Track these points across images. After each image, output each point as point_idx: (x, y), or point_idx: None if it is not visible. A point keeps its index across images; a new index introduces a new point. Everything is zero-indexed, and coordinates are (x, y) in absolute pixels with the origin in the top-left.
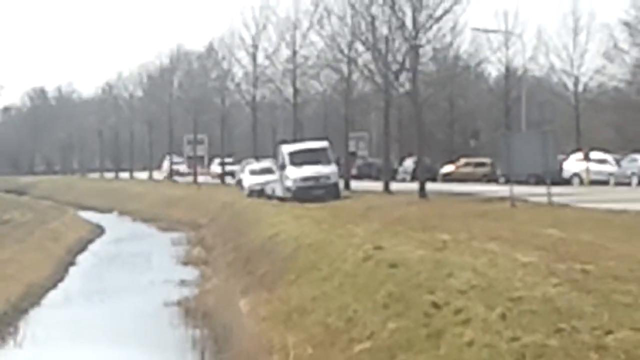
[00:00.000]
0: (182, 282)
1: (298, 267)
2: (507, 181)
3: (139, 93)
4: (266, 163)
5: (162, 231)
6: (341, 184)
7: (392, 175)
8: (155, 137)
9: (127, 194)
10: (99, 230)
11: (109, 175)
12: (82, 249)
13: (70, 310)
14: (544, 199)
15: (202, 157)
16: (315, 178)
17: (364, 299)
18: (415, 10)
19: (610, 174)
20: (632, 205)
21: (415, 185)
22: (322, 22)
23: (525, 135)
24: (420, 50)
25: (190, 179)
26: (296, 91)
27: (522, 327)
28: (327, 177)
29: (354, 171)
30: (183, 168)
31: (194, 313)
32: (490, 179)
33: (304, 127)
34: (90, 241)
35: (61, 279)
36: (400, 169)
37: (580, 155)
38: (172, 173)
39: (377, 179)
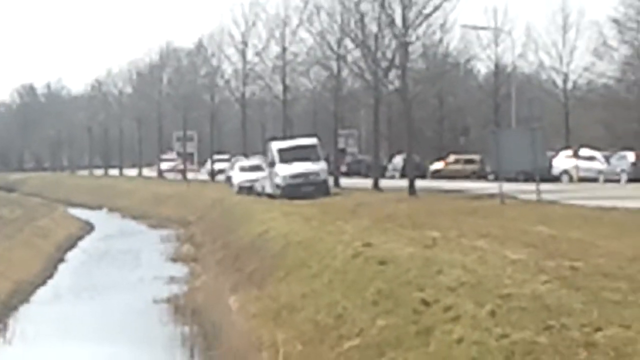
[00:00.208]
0: (172, 279)
1: (287, 264)
2: (497, 178)
3: (128, 90)
4: (255, 160)
5: (151, 228)
6: (330, 181)
7: (382, 173)
8: (145, 133)
9: (116, 191)
10: (89, 227)
11: (98, 172)
12: (72, 245)
13: (60, 307)
14: (533, 196)
15: (191, 154)
16: (305, 175)
17: (354, 296)
18: (405, 7)
19: (600, 171)
20: (621, 203)
21: (404, 183)
22: (311, 19)
23: (515, 132)
24: (410, 47)
25: (191, 175)
26: (286, 88)
27: (512, 324)
28: (317, 174)
29: (343, 168)
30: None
31: (184, 310)
32: (480, 176)
33: (293, 124)
34: (80, 238)
35: (50, 276)
36: (390, 166)
37: (569, 152)
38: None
39: (366, 176)
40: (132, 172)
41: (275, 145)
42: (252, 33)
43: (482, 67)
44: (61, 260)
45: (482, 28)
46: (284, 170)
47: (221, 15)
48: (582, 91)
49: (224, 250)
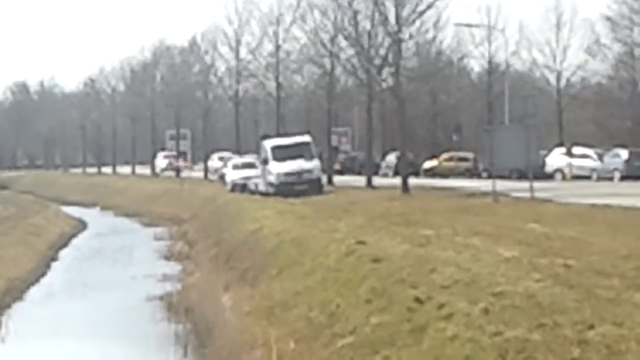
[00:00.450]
0: (165, 277)
1: (281, 262)
2: (490, 176)
3: (122, 87)
4: (249, 158)
5: (144, 226)
6: (324, 178)
7: (375, 170)
8: (138, 131)
9: (109, 189)
10: (82, 225)
11: (92, 170)
12: (65, 243)
13: (53, 305)
14: (527, 194)
15: (184, 152)
16: (298, 173)
17: (347, 294)
18: (398, 5)
19: (593, 169)
20: (614, 200)
21: (398, 180)
22: (305, 17)
23: (508, 130)
24: (403, 45)
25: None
26: (279, 86)
27: (505, 322)
28: (310, 172)
29: (336, 166)
30: (180, 162)
31: (177, 308)
32: (473, 173)
33: (286, 121)
34: (73, 236)
35: (44, 274)
36: (383, 164)
37: (562, 150)
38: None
39: (359, 173)
40: (125, 170)
41: (269, 143)
42: (245, 31)
43: (476, 65)
44: (54, 258)
45: (476, 26)
46: (277, 168)
47: (214, 13)
48: (575, 89)
49: (217, 248)
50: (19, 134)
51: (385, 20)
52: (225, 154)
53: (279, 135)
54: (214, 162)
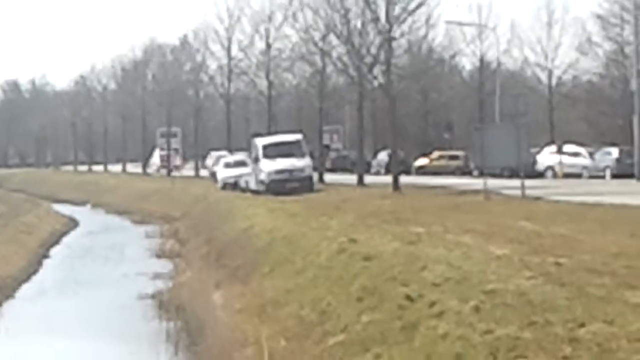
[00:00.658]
0: (156, 275)
1: (272, 260)
2: (481, 174)
3: (113, 86)
4: (240, 156)
5: (135, 224)
6: (315, 176)
7: (366, 168)
8: (129, 129)
9: (100, 187)
10: (73, 223)
11: (83, 167)
12: (56, 241)
13: (44, 303)
14: (518, 192)
15: (176, 150)
16: (289, 171)
17: (338, 292)
18: (389, 3)
19: (584, 167)
20: (605, 198)
21: (389, 178)
22: (296, 15)
23: (499, 128)
24: (394, 43)
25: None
26: (270, 84)
27: (496, 320)
28: (301, 170)
29: (328, 164)
30: (177, 161)
31: (168, 306)
32: (464, 171)
33: (278, 120)
34: (64, 234)
35: (35, 272)
36: (374, 162)
37: (553, 148)
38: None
39: (351, 171)
40: (116, 167)
41: (260, 141)
42: (236, 29)
43: (467, 63)
44: (45, 256)
45: (467, 24)
46: (269, 166)
47: (206, 11)
48: (567, 87)
49: (209, 246)
50: (10, 132)
51: (376, 19)
52: (223, 152)
53: (270, 133)
54: (213, 159)
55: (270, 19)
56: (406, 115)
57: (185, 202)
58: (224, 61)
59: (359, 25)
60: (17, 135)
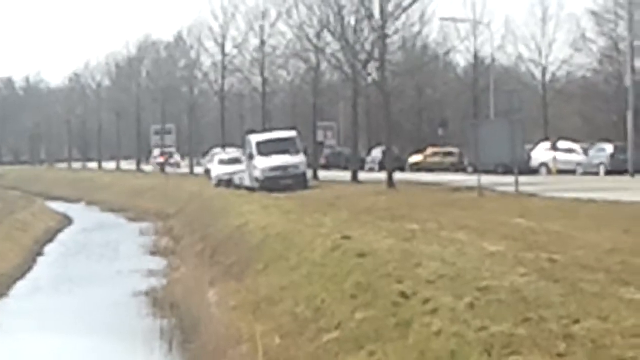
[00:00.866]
0: (150, 272)
1: (266, 257)
2: (475, 170)
3: (107, 83)
4: (235, 153)
5: (130, 221)
6: (309, 173)
7: (361, 165)
8: (123, 126)
9: (95, 184)
10: (67, 221)
11: (77, 165)
12: (51, 239)
13: (39, 301)
14: (512, 189)
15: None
16: (284, 168)
17: (333, 289)
18: (383, 0)
19: (578, 164)
20: (599, 195)
21: (383, 175)
22: (290, 12)
23: (493, 125)
24: (389, 40)
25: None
26: (264, 81)
27: (490, 316)
28: (296, 167)
29: (322, 161)
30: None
31: (162, 303)
32: (459, 168)
33: (272, 116)
34: (59, 231)
35: (30, 269)
36: (369, 159)
37: (548, 144)
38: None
39: (345, 168)
40: (111, 165)
41: (254, 138)
42: (231, 26)
43: (461, 60)
44: (40, 253)
45: (461, 20)
46: (263, 163)
47: (200, 7)
48: (561, 83)
49: (203, 243)
50: (4, 130)
51: (370, 15)
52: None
53: (264, 130)
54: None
55: (264, 16)
56: (400, 111)
57: (179, 200)
58: (219, 58)
59: (353, 22)
60: (11, 132)
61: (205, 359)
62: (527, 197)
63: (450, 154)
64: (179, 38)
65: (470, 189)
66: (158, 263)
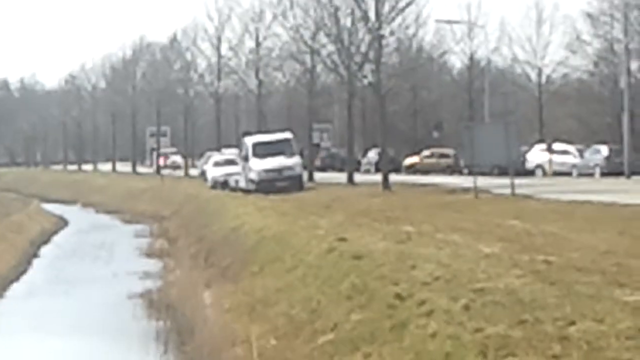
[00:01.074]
0: (146, 274)
1: (262, 259)
2: (471, 172)
3: (102, 84)
4: (230, 155)
5: (125, 223)
6: (305, 175)
7: (356, 167)
8: (119, 128)
9: (90, 186)
10: (62, 222)
11: (72, 167)
12: (46, 241)
13: (34, 302)
14: (507, 190)
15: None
16: (279, 170)
17: (328, 291)
18: (379, 2)
19: (573, 165)
20: (595, 197)
21: (379, 177)
22: (285, 14)
23: (489, 127)
24: (384, 42)
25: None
26: (260, 82)
27: (486, 318)
28: (291, 168)
29: (317, 162)
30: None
31: (158, 305)
32: (454, 170)
33: (267, 118)
34: (54, 233)
35: (25, 271)
36: (364, 160)
37: (543, 146)
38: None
39: (340, 170)
40: (106, 167)
41: (250, 140)
42: (226, 27)
43: (456, 62)
44: (35, 255)
45: (456, 22)
46: (258, 165)
47: (195, 9)
48: (556, 85)
49: (198, 245)
50: None
51: (365, 17)
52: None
53: (260, 132)
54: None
55: (259, 17)
56: (396, 113)
57: (174, 201)
58: (214, 60)
59: (348, 23)
60: (6, 134)
61: None
62: (523, 198)
63: (445, 155)
64: (174, 40)
65: (465, 190)
66: (153, 265)
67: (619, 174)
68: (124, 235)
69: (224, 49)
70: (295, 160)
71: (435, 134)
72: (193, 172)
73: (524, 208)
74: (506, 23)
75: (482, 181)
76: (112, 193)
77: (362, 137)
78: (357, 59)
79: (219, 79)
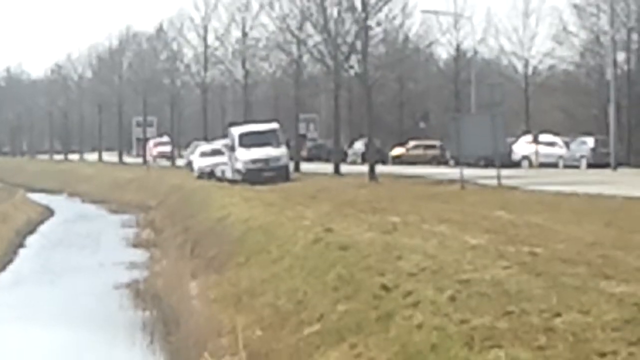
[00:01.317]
0: (132, 264)
1: (248, 250)
2: (457, 163)
3: (89, 74)
4: (216, 145)
5: (111, 213)
6: (291, 166)
7: (343, 158)
8: (105, 118)
9: (76, 176)
10: (49, 212)
11: (59, 156)
12: (32, 230)
13: (20, 292)
14: (494, 182)
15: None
16: (265, 160)
17: (314, 282)
18: None
19: (560, 157)
20: (581, 188)
21: (365, 168)
22: (272, 4)
23: (475, 118)
24: (370, 32)
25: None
26: (246, 73)
27: (471, 309)
28: (277, 159)
29: (304, 153)
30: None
31: (144, 295)
32: (440, 161)
33: (254, 108)
34: (40, 223)
35: (10, 261)
36: (351, 151)
37: (529, 137)
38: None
39: (327, 161)
40: (92, 156)
41: (236, 130)
42: (212, 17)
43: (443, 52)
44: (21, 245)
45: (443, 13)
46: (245, 155)
47: None
48: (543, 77)
49: (184, 235)
50: None
51: (352, 7)
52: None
53: (246, 122)
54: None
55: (246, 7)
56: (382, 104)
57: (161, 191)
58: (200, 50)
59: (335, 14)
60: None
61: (186, 351)
62: (509, 190)
63: (432, 146)
64: (161, 29)
65: (452, 181)
66: (139, 255)
67: (605, 165)
68: (110, 225)
69: (211, 39)
70: (282, 150)
71: (422, 125)
72: (179, 162)
73: (510, 199)
74: (493, 14)
75: (469, 172)
76: (99, 183)
77: (349, 127)
78: (344, 49)
79: (205, 69)
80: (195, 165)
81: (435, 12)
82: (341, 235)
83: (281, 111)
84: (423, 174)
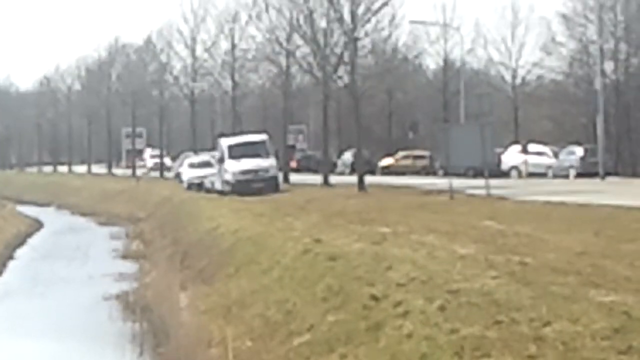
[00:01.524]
0: (121, 276)
1: (237, 261)
2: (446, 174)
3: (77, 86)
4: (205, 156)
5: (100, 225)
6: (280, 177)
7: (331, 168)
8: (94, 130)
9: (65, 188)
10: (38, 224)
11: (48, 168)
12: (21, 243)
13: (10, 304)
14: (483, 192)
15: (140, 151)
16: (254, 171)
17: (303, 292)
18: (353, 3)
19: (548, 167)
20: (569, 198)
21: (354, 178)
22: (260, 15)
23: (464, 128)
24: (359, 43)
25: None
26: (235, 84)
27: (461, 319)
28: (266, 170)
29: (293, 164)
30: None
31: (133, 307)
32: (429, 171)
33: (242, 120)
34: (29, 235)
35: (0, 273)
36: (339, 162)
37: (518, 147)
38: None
39: (316, 171)
40: (81, 168)
41: (225, 142)
42: (201, 29)
43: (431, 63)
44: (11, 257)
45: (431, 24)
46: (234, 167)
47: (170, 11)
48: (531, 87)
49: (174, 247)
50: None
51: (340, 19)
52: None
53: (235, 133)
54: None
55: (234, 19)
56: (371, 115)
57: (150, 203)
58: (189, 61)
59: (323, 25)
60: None
61: None
62: (498, 200)
63: (420, 157)
64: (149, 41)
65: (440, 192)
66: (129, 267)
67: (593, 174)
68: (99, 237)
69: (199, 51)
70: (271, 161)
71: (411, 135)
72: (168, 173)
73: (499, 209)
74: (481, 24)
75: (458, 182)
76: (88, 195)
77: (338, 138)
78: (332, 60)
79: (194, 80)
80: (184, 177)
81: (424, 23)
82: (330, 245)
83: (270, 122)
84: (412, 185)
